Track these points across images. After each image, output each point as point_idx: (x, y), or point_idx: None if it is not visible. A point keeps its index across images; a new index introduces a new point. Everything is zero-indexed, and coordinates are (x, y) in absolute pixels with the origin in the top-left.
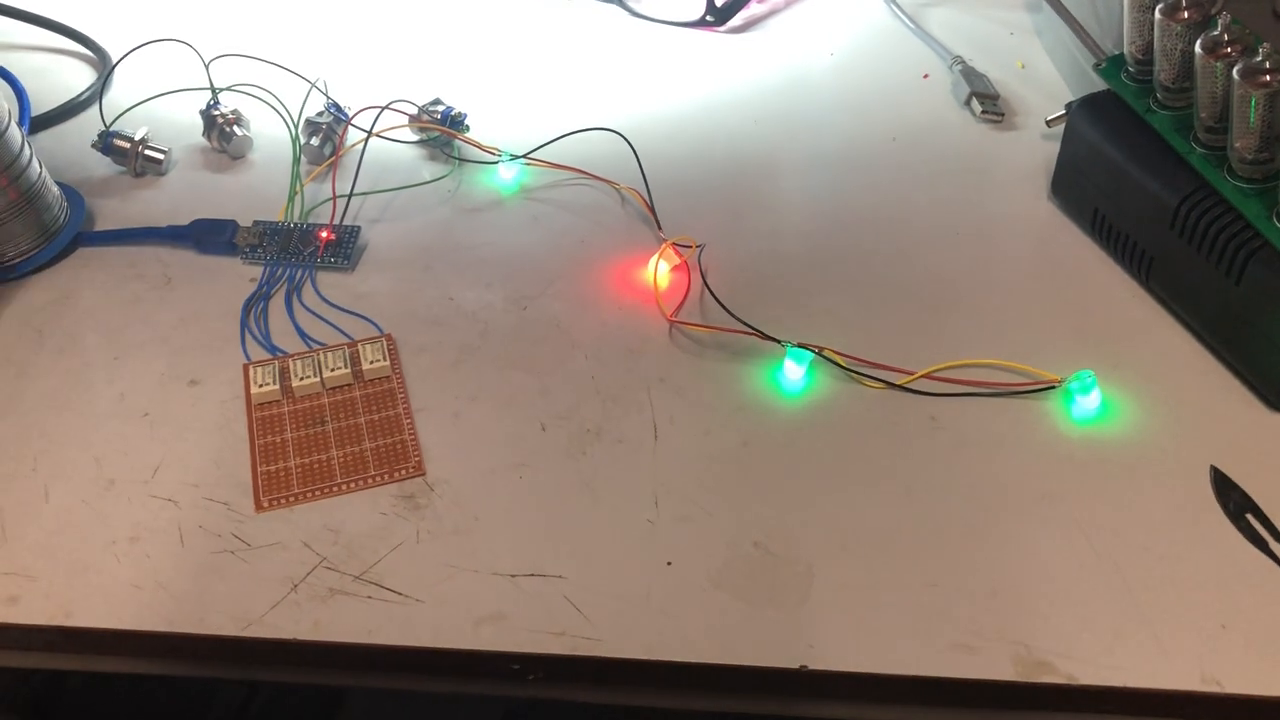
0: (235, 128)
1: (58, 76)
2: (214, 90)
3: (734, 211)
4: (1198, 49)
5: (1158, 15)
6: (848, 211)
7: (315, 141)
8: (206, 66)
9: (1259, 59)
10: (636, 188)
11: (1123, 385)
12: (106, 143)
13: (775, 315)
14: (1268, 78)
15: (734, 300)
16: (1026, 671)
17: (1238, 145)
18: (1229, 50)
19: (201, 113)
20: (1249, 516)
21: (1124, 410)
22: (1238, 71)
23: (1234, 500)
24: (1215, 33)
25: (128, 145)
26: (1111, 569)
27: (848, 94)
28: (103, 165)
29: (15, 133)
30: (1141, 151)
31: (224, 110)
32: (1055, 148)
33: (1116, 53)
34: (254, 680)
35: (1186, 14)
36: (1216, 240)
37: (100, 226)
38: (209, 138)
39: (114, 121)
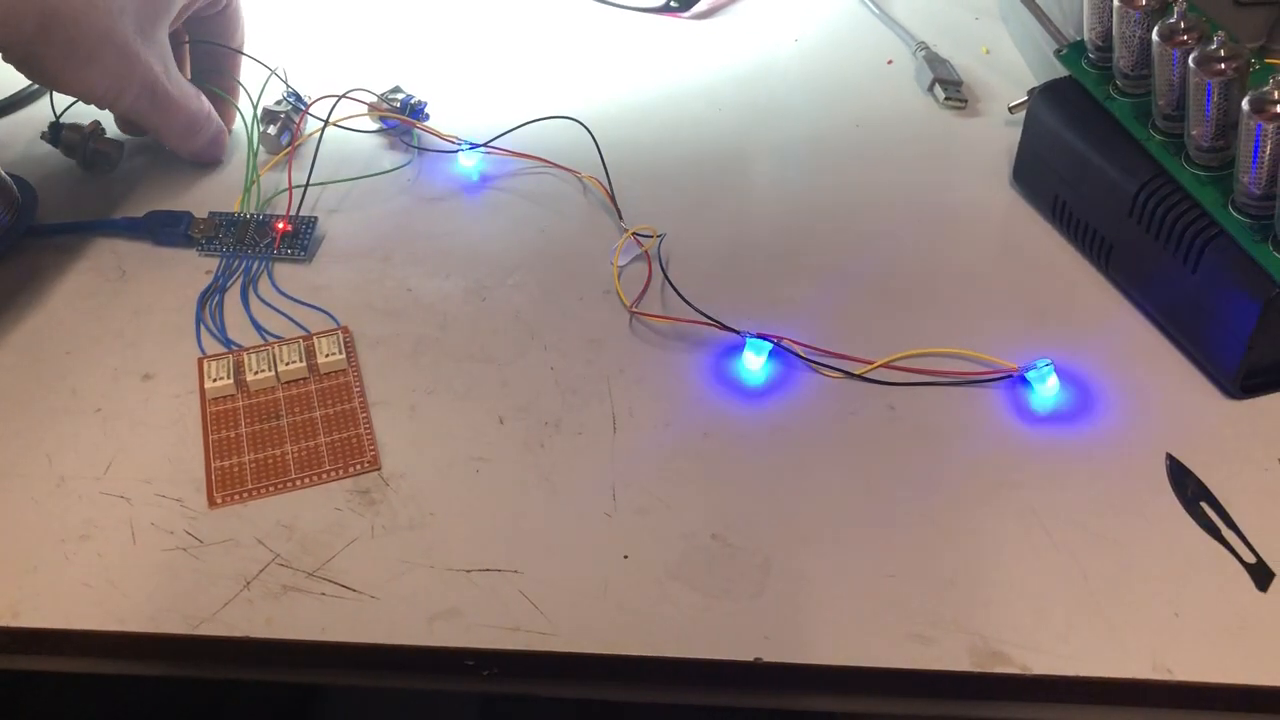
0: None
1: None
2: None
3: (696, 200)
4: (1154, 36)
5: (1116, 2)
6: (810, 199)
7: (272, 130)
8: None
9: (1214, 47)
10: (598, 176)
11: (1080, 373)
12: (56, 134)
13: (736, 304)
14: (1222, 66)
15: (695, 290)
16: (981, 662)
17: (1194, 133)
18: (1185, 38)
19: None
20: (1204, 504)
21: (1081, 398)
22: (1193, 59)
23: (1189, 488)
24: (1172, 20)
25: (78, 137)
26: (1067, 557)
27: (812, 80)
28: (54, 157)
29: None
30: (1101, 138)
31: None
32: (1018, 134)
33: (1078, 39)
34: (207, 678)
35: (1144, 1)
36: (1174, 228)
37: (53, 219)
38: None
39: (64, 112)
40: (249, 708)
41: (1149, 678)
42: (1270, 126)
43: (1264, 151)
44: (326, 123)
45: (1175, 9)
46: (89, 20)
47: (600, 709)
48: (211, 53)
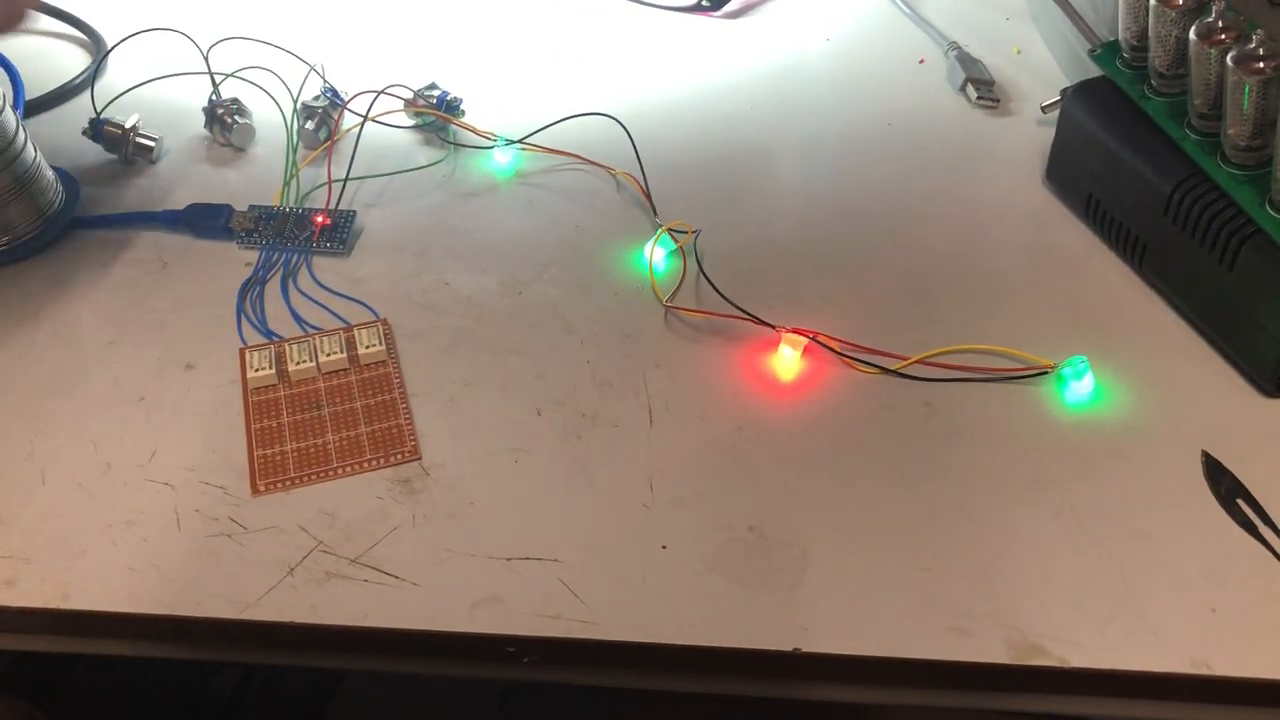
0: (236, 118)
1: (53, 60)
2: (213, 79)
3: (730, 196)
4: (1192, 35)
5: (1153, 1)
6: (843, 197)
7: (311, 126)
8: (205, 56)
9: (1252, 46)
10: (632, 173)
11: (1116, 371)
12: (97, 130)
13: (770, 300)
14: (1261, 64)
15: (729, 285)
16: (1019, 654)
17: (1231, 132)
18: (1223, 37)
19: (205, 109)
20: (1240, 501)
21: (1117, 396)
22: (1231, 58)
23: (1225, 485)
24: (1209, 19)
25: (119, 133)
26: (1104, 553)
27: (843, 79)
28: (96, 152)
29: (10, 116)
30: (1136, 137)
31: (224, 101)
32: (1050, 133)
33: (1112, 39)
34: (251, 663)
35: (1181, 0)
36: (1209, 226)
37: (95, 212)
38: (211, 130)
39: (105, 108)
40: (276, 688)
41: (1187, 672)
42: None
43: None
44: (365, 118)
45: (1213, 8)
46: None
47: (638, 697)
48: None
